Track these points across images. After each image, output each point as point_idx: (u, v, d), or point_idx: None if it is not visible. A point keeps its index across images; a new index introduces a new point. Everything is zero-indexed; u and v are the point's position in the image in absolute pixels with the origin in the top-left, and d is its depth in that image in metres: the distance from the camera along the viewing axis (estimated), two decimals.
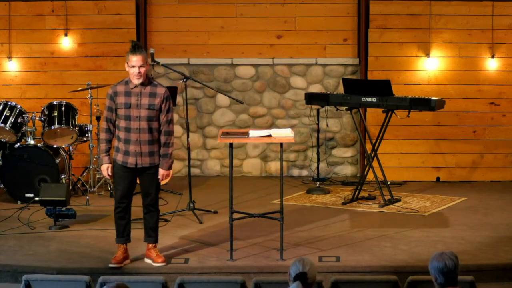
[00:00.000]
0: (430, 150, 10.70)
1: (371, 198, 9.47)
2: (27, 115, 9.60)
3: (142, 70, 6.89)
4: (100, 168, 7.49)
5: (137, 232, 7.38)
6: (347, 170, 11.10)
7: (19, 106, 9.67)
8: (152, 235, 7.18)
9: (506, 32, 10.55)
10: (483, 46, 10.57)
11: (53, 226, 8.27)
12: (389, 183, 9.52)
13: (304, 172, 11.09)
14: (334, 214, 8.88)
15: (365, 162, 9.85)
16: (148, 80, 6.98)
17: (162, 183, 7.23)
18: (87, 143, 9.93)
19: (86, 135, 9.80)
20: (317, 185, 10.11)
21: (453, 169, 10.71)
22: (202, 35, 10.90)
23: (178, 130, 10.84)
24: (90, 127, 9.79)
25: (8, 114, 9.55)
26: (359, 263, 7.13)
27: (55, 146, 9.57)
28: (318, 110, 10.19)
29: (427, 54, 10.60)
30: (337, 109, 9.92)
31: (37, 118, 9.58)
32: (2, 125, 9.49)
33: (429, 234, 8.00)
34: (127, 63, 6.92)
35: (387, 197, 9.28)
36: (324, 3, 10.83)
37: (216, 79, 11.00)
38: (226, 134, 7.52)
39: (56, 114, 9.51)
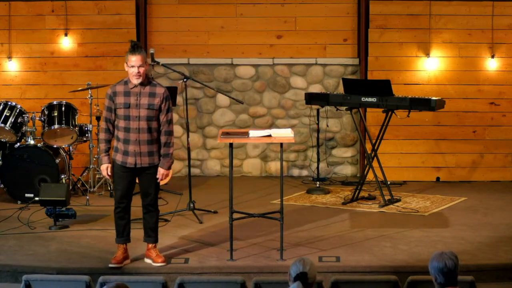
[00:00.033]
0: (430, 150, 10.70)
1: (371, 198, 9.47)
2: (27, 115, 9.60)
3: (141, 70, 6.89)
4: (100, 168, 7.49)
5: (137, 232, 7.38)
6: (347, 170, 11.10)
7: (19, 106, 9.67)
8: (151, 235, 7.18)
9: (506, 32, 10.55)
10: (483, 46, 10.57)
11: (53, 226, 8.27)
12: (389, 183, 9.52)
13: (304, 172, 11.10)
14: (334, 214, 8.88)
15: (365, 162, 9.85)
16: (147, 80, 6.98)
17: (162, 183, 7.23)
18: (87, 143, 9.93)
19: (86, 135, 9.80)
20: (317, 185, 10.11)
21: (453, 169, 10.71)
22: (202, 35, 10.90)
23: (178, 130, 10.85)
24: (90, 127, 9.79)
25: (8, 114, 9.55)
26: (359, 263, 7.13)
27: (55, 146, 9.57)
28: (318, 110, 10.19)
29: (427, 54, 10.60)
30: (337, 109, 9.92)
31: (37, 118, 9.58)
32: (2, 125, 9.49)
33: (429, 234, 8.00)
34: (126, 63, 6.92)
35: (387, 197, 9.28)
36: (324, 3, 10.83)
37: (216, 79, 11.00)
38: (226, 134, 7.52)
39: (56, 114, 9.51)
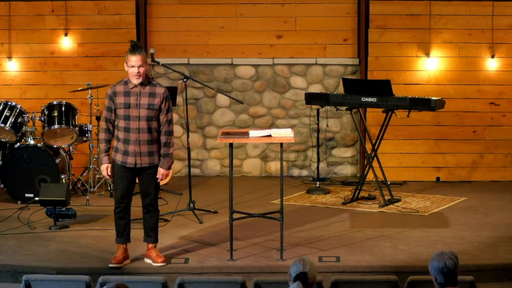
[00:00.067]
0: (430, 150, 10.70)
1: (371, 198, 9.47)
2: (27, 115, 9.60)
3: (141, 70, 6.89)
4: (100, 168, 7.49)
5: (137, 232, 7.38)
6: (347, 170, 11.10)
7: (19, 106, 9.67)
8: (151, 235, 7.18)
9: (506, 32, 10.55)
10: (483, 46, 10.57)
11: (53, 226, 8.27)
12: (389, 183, 9.52)
13: (304, 172, 11.09)
14: (334, 214, 8.87)
15: (365, 162, 9.85)
16: (147, 80, 6.98)
17: (162, 183, 7.23)
18: (87, 143, 9.93)
19: (86, 135, 9.80)
20: (317, 185, 10.11)
21: (453, 169, 10.71)
22: (202, 35, 10.90)
23: (178, 130, 10.85)
24: (90, 127, 9.79)
25: (8, 114, 9.55)
26: (359, 263, 7.13)
27: (55, 146, 9.57)
28: (318, 110, 10.19)
29: (427, 54, 10.60)
30: (337, 109, 9.92)
31: (37, 118, 9.58)
32: (2, 125, 9.49)
33: (429, 234, 8.00)
34: (126, 63, 6.92)
35: (387, 197, 9.28)
36: (324, 3, 10.83)
37: (216, 79, 11.00)
38: (226, 134, 7.52)
39: (56, 114, 9.51)
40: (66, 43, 10.68)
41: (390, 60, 10.62)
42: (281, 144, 7.32)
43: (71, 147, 9.78)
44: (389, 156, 10.53)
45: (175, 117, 10.84)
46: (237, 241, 7.58)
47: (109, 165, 7.05)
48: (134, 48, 6.88)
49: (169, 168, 7.05)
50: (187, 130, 8.95)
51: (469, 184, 10.57)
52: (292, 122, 11.00)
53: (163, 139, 7.00)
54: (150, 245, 7.18)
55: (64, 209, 8.32)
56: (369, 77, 10.58)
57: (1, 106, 9.56)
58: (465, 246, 7.59)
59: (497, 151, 10.67)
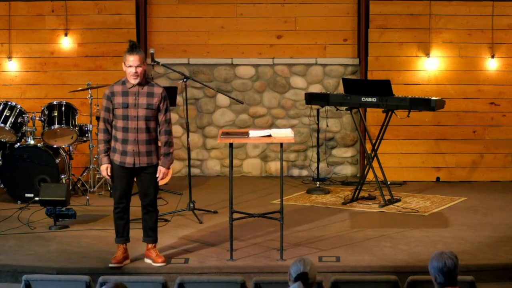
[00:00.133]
0: (430, 150, 10.70)
1: (371, 198, 9.47)
2: (27, 115, 9.60)
3: (139, 70, 6.88)
4: (100, 169, 7.49)
5: (137, 232, 7.37)
6: (347, 170, 11.10)
7: (19, 106, 9.67)
8: (151, 235, 7.17)
9: (506, 32, 10.55)
10: (483, 46, 10.57)
11: (53, 226, 8.27)
12: (389, 183, 9.52)
13: (304, 172, 11.10)
14: (334, 214, 8.87)
15: (365, 162, 9.85)
16: (145, 80, 6.98)
17: (162, 182, 7.22)
18: (87, 143, 9.93)
19: (86, 135, 9.80)
20: (317, 185, 10.11)
21: (453, 169, 10.71)
22: (202, 35, 10.90)
23: (178, 130, 10.85)
24: (90, 127, 9.79)
25: (8, 114, 9.55)
26: (359, 263, 7.13)
27: (55, 146, 9.57)
28: (318, 110, 10.19)
29: (427, 54, 10.60)
30: (337, 109, 9.92)
31: (37, 118, 9.58)
32: (2, 125, 9.49)
33: (429, 234, 8.00)
34: (124, 63, 6.92)
35: (387, 197, 9.28)
36: (324, 3, 10.83)
37: (216, 79, 11.00)
38: (226, 134, 7.52)
39: (56, 114, 9.52)
40: (66, 43, 10.68)
41: (390, 60, 10.62)
42: (281, 144, 7.32)
43: (71, 147, 9.78)
44: (389, 156, 10.53)
45: (175, 117, 10.84)
46: (237, 241, 7.58)
47: (109, 166, 7.05)
48: (132, 48, 6.88)
49: (169, 167, 7.06)
50: (187, 130, 8.95)
51: (469, 184, 10.57)
52: (292, 122, 11.00)
53: (163, 138, 7.01)
54: (149, 245, 7.17)
55: (64, 209, 8.32)
56: (369, 77, 10.58)
57: (1, 106, 9.56)
58: (465, 246, 7.58)
59: (497, 151, 10.67)
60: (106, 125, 7.02)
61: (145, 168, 7.00)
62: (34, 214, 8.60)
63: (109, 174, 7.06)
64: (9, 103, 9.63)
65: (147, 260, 7.16)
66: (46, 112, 9.53)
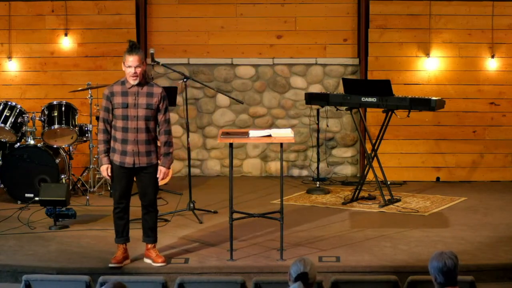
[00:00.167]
0: (430, 150, 10.70)
1: (371, 198, 9.47)
2: (27, 115, 9.60)
3: (138, 70, 6.88)
4: (100, 169, 7.50)
5: (137, 232, 7.37)
6: (347, 170, 11.10)
7: (19, 106, 9.67)
8: (151, 235, 7.17)
9: (506, 32, 10.55)
10: (483, 46, 10.57)
11: (53, 226, 8.27)
12: (389, 183, 9.52)
13: (304, 172, 11.09)
14: (334, 214, 8.87)
15: (365, 162, 9.85)
16: (144, 80, 6.98)
17: (162, 182, 7.22)
18: (87, 143, 9.93)
19: (86, 135, 9.80)
20: (317, 185, 10.11)
21: (453, 169, 10.71)
22: (202, 35, 10.90)
23: (178, 130, 10.85)
24: (90, 127, 9.79)
25: (8, 114, 9.55)
26: (359, 263, 7.13)
27: (55, 146, 9.57)
28: (318, 110, 10.19)
29: (427, 54, 10.60)
30: (337, 109, 9.92)
31: (37, 118, 9.58)
32: (2, 125, 9.49)
33: (429, 234, 8.00)
34: (124, 63, 6.92)
35: (387, 197, 9.28)
36: (324, 3, 10.83)
37: (216, 79, 11.00)
38: (226, 134, 7.52)
39: (56, 114, 9.52)
40: (66, 43, 10.68)
41: (390, 60, 10.63)
42: (281, 144, 7.32)
43: (71, 147, 9.78)
44: (389, 156, 10.53)
45: (175, 117, 10.85)
46: (237, 241, 7.58)
47: (109, 166, 7.04)
48: (132, 48, 6.88)
49: (169, 167, 7.06)
50: (187, 130, 8.95)
51: (469, 184, 10.57)
52: (292, 122, 11.00)
53: (163, 138, 7.01)
54: (149, 245, 7.17)
55: (64, 209, 8.32)
56: (369, 77, 10.58)
57: (1, 106, 9.56)
58: (465, 246, 7.58)
59: (497, 151, 10.67)
60: (105, 125, 7.02)
61: (144, 168, 7.01)
62: (34, 214, 8.60)
63: (110, 174, 7.06)
64: (9, 103, 9.63)
65: (147, 260, 7.16)
66: (46, 112, 9.53)
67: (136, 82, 6.90)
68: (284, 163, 10.92)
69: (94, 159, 9.90)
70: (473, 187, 10.35)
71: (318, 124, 10.26)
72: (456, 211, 9.04)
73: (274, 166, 11.10)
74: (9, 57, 10.67)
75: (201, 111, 11.06)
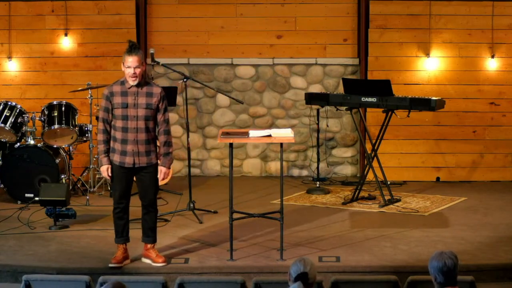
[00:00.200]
0: (430, 150, 10.70)
1: (371, 198, 9.47)
2: (27, 115, 9.60)
3: (137, 71, 6.88)
4: (100, 169, 7.50)
5: (137, 232, 7.37)
6: (347, 170, 11.10)
7: (19, 106, 9.67)
8: (150, 235, 7.17)
9: (506, 32, 10.55)
10: (483, 46, 10.57)
11: (53, 226, 8.27)
12: (389, 183, 9.52)
13: (304, 172, 11.09)
14: (334, 214, 8.87)
15: (365, 162, 9.85)
16: (143, 80, 6.98)
17: (162, 182, 7.23)
18: (87, 143, 9.93)
19: (86, 135, 9.80)
20: (317, 185, 10.11)
21: (453, 169, 10.71)
22: (202, 35, 10.90)
23: (178, 130, 10.85)
24: (90, 127, 9.79)
25: (8, 114, 9.55)
26: (359, 263, 7.13)
27: (55, 146, 9.57)
28: (318, 110, 10.19)
29: (427, 54, 10.60)
30: (337, 109, 9.92)
31: (37, 118, 9.58)
32: (2, 125, 9.49)
33: (429, 234, 8.00)
34: (123, 63, 6.92)
35: (387, 197, 9.28)
36: (324, 3, 10.84)
37: (216, 79, 11.00)
38: (226, 134, 7.52)
39: (56, 114, 9.52)
40: (66, 43, 10.68)
41: (390, 60, 10.63)
42: (281, 144, 7.32)
43: (71, 147, 9.78)
44: (389, 156, 10.53)
45: (175, 117, 10.85)
46: (237, 241, 7.58)
47: (109, 166, 7.04)
48: (131, 48, 6.88)
49: (170, 167, 7.06)
50: (187, 130, 8.95)
51: (469, 184, 10.57)
52: (292, 122, 11.00)
53: (163, 138, 7.01)
54: (149, 245, 7.17)
55: (64, 209, 8.32)
56: (369, 77, 10.58)
57: (1, 106, 9.56)
58: (465, 246, 7.58)
59: (497, 151, 10.67)
60: (105, 125, 7.02)
61: (144, 168, 7.01)
62: (34, 214, 8.60)
63: (110, 174, 7.06)
64: (9, 103, 9.63)
65: (145, 260, 7.15)
66: (46, 112, 9.53)
67: (135, 82, 6.90)
68: (284, 163, 10.92)
69: (94, 159, 9.90)
70: (473, 187, 10.35)
71: (318, 124, 10.26)
72: (456, 211, 9.04)
73: (274, 166, 11.10)
74: (9, 57, 10.67)
75: (201, 111, 11.06)
